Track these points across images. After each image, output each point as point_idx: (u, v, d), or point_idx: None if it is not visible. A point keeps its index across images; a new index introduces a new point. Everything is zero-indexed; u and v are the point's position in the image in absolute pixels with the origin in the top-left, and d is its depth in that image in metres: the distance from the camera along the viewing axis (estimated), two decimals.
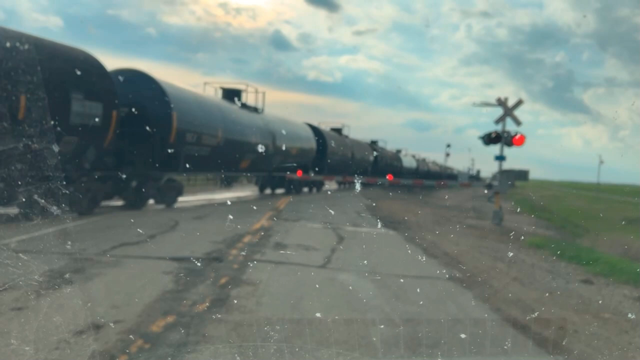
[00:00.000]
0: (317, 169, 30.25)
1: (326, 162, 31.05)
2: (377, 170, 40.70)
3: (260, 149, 22.76)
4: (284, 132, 25.70)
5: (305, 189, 30.08)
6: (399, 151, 55.31)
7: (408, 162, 54.56)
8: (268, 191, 27.10)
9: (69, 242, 7.50)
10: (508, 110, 17.50)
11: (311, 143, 29.75)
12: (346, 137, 37.12)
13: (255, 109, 23.68)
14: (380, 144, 47.94)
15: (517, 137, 17.60)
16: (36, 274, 4.77)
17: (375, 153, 43.09)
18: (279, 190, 27.51)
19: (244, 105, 22.91)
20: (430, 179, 49.20)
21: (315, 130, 31.22)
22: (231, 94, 22.70)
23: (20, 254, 4.71)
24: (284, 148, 25.15)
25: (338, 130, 36.89)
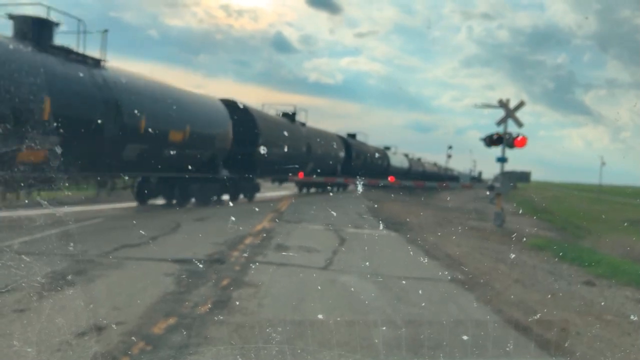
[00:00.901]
0: (245, 166, 19.91)
1: (258, 158, 20.87)
2: (352, 170, 32.16)
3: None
4: (145, 103, 14.70)
5: (225, 197, 19.98)
6: (387, 148, 47.15)
7: (398, 161, 47.20)
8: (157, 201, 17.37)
9: (71, 244, 7.51)
10: (509, 112, 17.50)
11: (222, 127, 19.06)
12: (302, 124, 27.20)
13: (83, 58, 13.40)
14: (360, 138, 38.98)
15: (518, 138, 17.59)
16: (38, 276, 4.78)
17: (348, 148, 34.02)
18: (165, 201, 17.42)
19: (51, 47, 12.64)
20: (427, 180, 42.18)
21: (234, 109, 20.10)
22: (23, 25, 12.23)
23: (23, 256, 4.72)
24: (142, 130, 14.31)
25: (290, 116, 26.41)
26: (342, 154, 32.88)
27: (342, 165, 32.55)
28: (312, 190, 32.34)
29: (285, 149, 24.42)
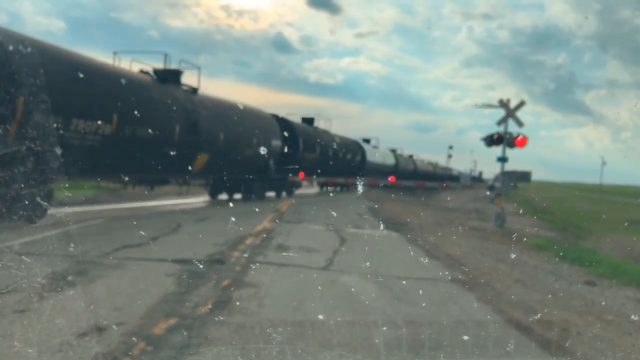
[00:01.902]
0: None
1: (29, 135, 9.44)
2: (299, 166, 23.47)
3: None
4: None
5: None
6: (366, 140, 38.57)
7: (379, 157, 38.52)
8: None
9: (72, 245, 7.51)
10: (510, 112, 17.49)
11: None
12: (189, 90, 16.96)
13: None
14: (319, 125, 29.35)
15: (519, 138, 17.58)
16: (39, 277, 4.79)
17: (291, 136, 23.69)
18: None
19: None
20: (421, 180, 37.86)
21: None
22: None
23: (23, 257, 4.73)
24: None
25: (166, 74, 16.10)
26: (277, 142, 22.23)
27: (279, 160, 22.36)
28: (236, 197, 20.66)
29: (122, 126, 13.17)
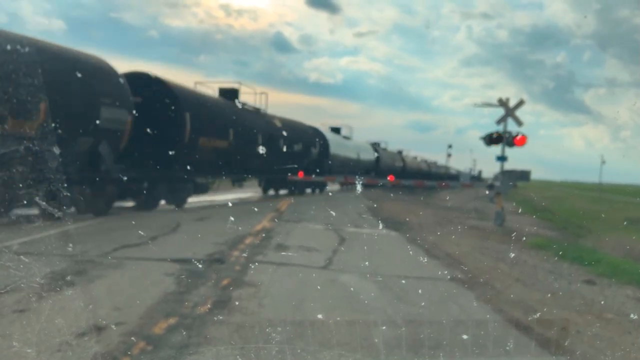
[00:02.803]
0: None
1: None
2: (186, 160, 15.49)
3: None
4: None
5: None
6: (335, 130, 31.65)
7: (351, 151, 31.58)
8: None
9: (71, 245, 7.50)
10: (509, 111, 17.49)
11: None
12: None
13: None
14: (242, 99, 19.83)
15: (518, 137, 17.57)
16: (38, 276, 4.78)
17: (170, 109, 14.35)
18: None
19: None
20: (414, 179, 34.03)
21: None
22: None
23: (22, 257, 4.72)
24: None
25: None
26: (120, 114, 13.06)
27: (134, 147, 13.83)
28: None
29: None
